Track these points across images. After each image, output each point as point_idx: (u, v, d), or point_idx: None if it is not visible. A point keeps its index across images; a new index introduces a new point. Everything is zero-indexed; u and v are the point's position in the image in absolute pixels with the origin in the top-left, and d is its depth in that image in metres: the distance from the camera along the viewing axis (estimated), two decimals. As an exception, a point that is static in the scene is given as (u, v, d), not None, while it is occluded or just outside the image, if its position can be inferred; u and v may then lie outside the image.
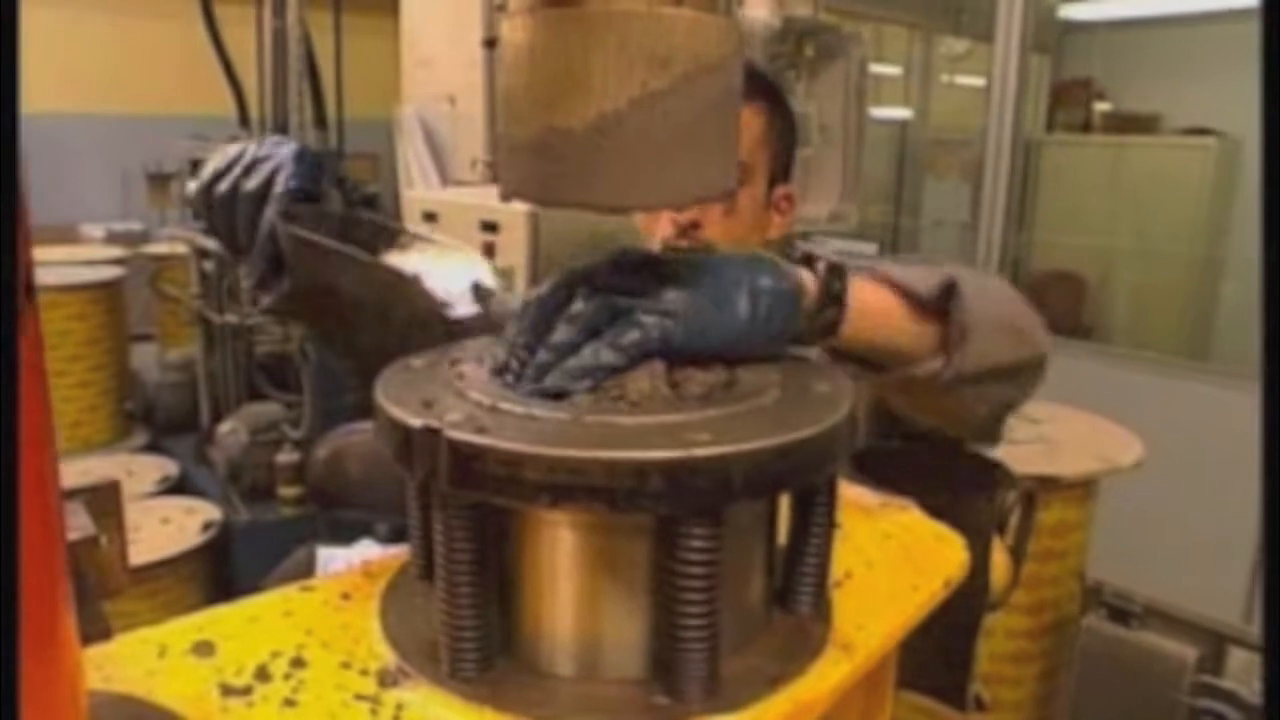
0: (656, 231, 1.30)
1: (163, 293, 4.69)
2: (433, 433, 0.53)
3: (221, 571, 3.42)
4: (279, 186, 0.89)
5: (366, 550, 2.91)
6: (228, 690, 0.61)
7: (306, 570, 2.92)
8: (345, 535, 3.04)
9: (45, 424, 0.43)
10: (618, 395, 0.62)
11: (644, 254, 0.67)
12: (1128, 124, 5.30)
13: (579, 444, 0.51)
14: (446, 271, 0.88)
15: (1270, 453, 0.59)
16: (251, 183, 0.89)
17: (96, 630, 0.52)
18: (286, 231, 0.78)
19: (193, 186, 0.93)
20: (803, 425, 0.56)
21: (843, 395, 0.63)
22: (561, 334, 0.62)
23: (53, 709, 0.44)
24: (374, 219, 0.94)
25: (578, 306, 0.62)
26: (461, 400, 0.58)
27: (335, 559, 2.94)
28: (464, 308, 0.85)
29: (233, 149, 0.94)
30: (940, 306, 0.88)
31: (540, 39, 0.57)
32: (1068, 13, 5.27)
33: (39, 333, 0.43)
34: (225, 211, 0.90)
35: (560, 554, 0.58)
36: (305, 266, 0.83)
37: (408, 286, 0.84)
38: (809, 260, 0.77)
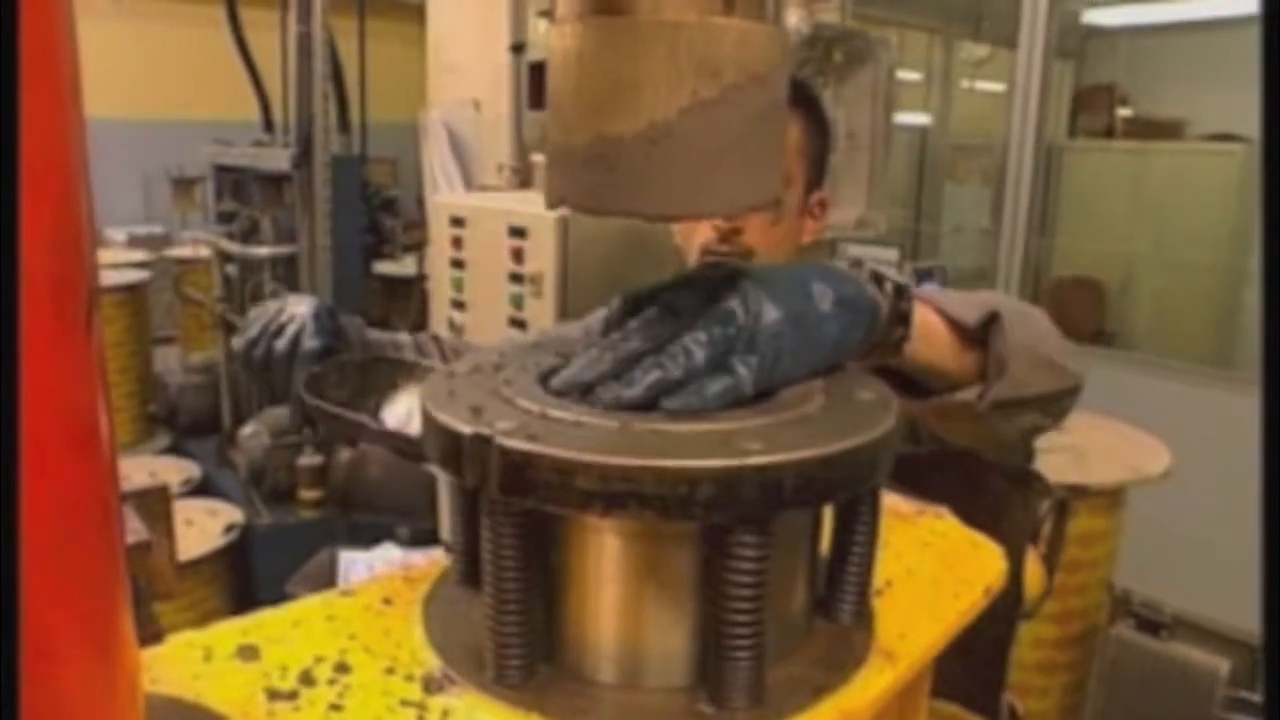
0: (697, 236, 1.31)
1: (186, 296, 4.74)
2: (484, 440, 0.53)
3: (243, 573, 3.44)
4: (303, 346, 1.05)
5: (388, 554, 2.93)
6: (274, 694, 0.61)
7: (329, 573, 2.94)
8: (366, 538, 3.06)
9: (107, 428, 0.44)
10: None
11: (722, 270, 0.65)
12: (1151, 129, 5.26)
13: (630, 452, 0.51)
14: None
15: (1270, 453, 0.59)
16: (280, 345, 1.04)
17: (149, 633, 0.52)
18: (308, 402, 0.88)
19: (237, 344, 1.09)
20: (852, 434, 0.56)
21: (887, 403, 0.63)
22: (689, 353, 0.59)
23: (115, 711, 0.44)
24: (391, 360, 1.05)
25: (696, 334, 0.60)
26: (510, 407, 0.58)
27: (357, 562, 2.95)
28: None
29: (270, 307, 1.10)
30: (981, 337, 0.90)
31: (590, 47, 0.57)
32: (1091, 18, 5.24)
33: (102, 341, 0.44)
34: (263, 372, 1.06)
35: (606, 561, 0.59)
36: (328, 425, 0.94)
37: (412, 443, 0.93)
38: (877, 279, 0.77)
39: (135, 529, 0.51)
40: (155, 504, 0.55)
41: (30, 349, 0.37)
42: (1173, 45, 5.33)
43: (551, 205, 0.60)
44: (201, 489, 3.78)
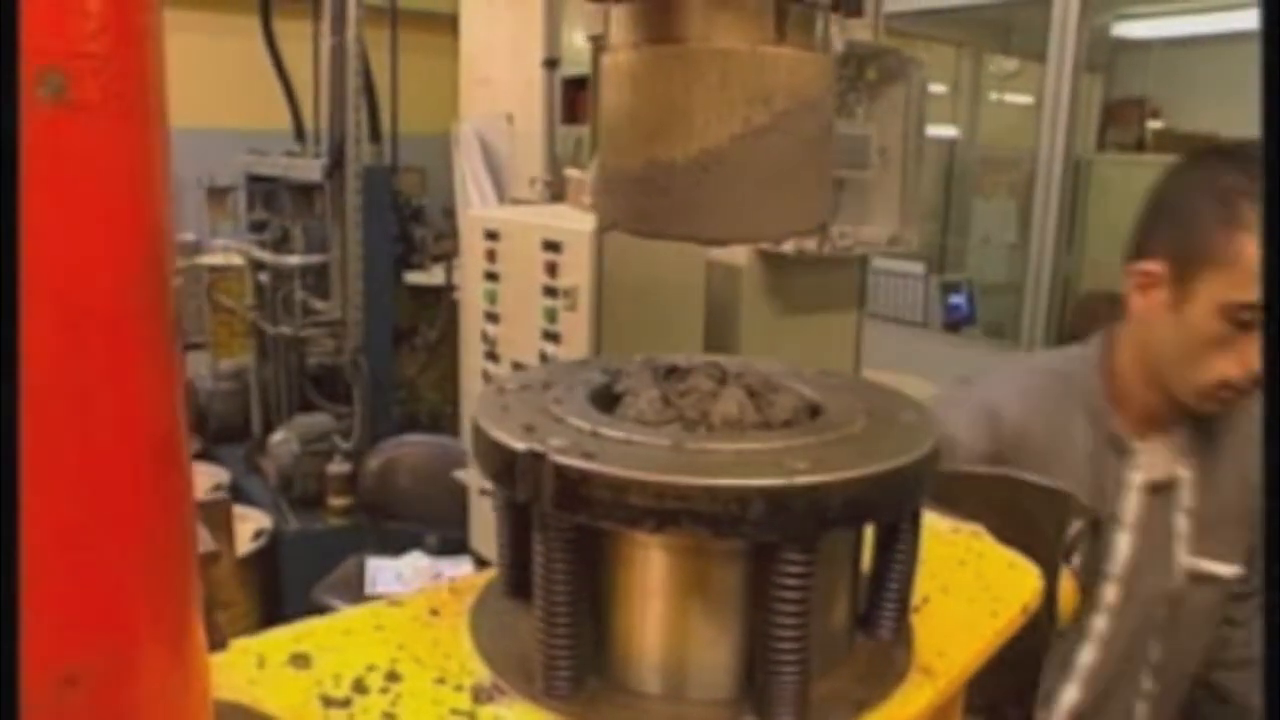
0: (1213, 368, 1.13)
1: (217, 303, 4.79)
2: (538, 457, 0.55)
3: (271, 579, 3.47)
4: None
5: (416, 561, 2.96)
6: (328, 701, 0.63)
7: (357, 580, 2.97)
8: (394, 546, 3.08)
9: (187, 443, 0.46)
10: (699, 419, 0.64)
11: None
12: (1183, 143, 5.22)
13: (683, 470, 0.53)
14: None
15: (1270, 456, 0.60)
16: None
17: (213, 641, 0.54)
18: None
19: None
20: (897, 454, 0.57)
21: (929, 423, 0.64)
22: None
23: (189, 713, 0.46)
24: None
25: None
26: (562, 425, 0.60)
27: (385, 570, 2.98)
28: None
29: None
30: None
31: (643, 74, 0.58)
32: (1121, 31, 5.22)
33: (184, 362, 0.46)
34: None
35: (654, 576, 0.60)
36: None
37: None
38: None
39: (203, 539, 0.53)
40: (219, 515, 0.56)
41: (129, 371, 0.39)
42: (1205, 58, 5.29)
43: (604, 228, 0.62)
44: (231, 495, 3.82)
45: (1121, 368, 1.24)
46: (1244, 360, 1.10)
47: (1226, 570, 1.21)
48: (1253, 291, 1.06)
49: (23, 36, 0.35)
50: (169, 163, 0.43)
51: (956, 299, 4.59)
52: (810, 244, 1.49)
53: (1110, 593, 1.18)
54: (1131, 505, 1.19)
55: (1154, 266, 1.14)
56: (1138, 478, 1.18)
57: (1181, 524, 1.21)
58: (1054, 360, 1.29)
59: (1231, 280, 1.08)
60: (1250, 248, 1.06)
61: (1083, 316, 5.05)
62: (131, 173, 0.39)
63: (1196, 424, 1.23)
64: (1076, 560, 1.15)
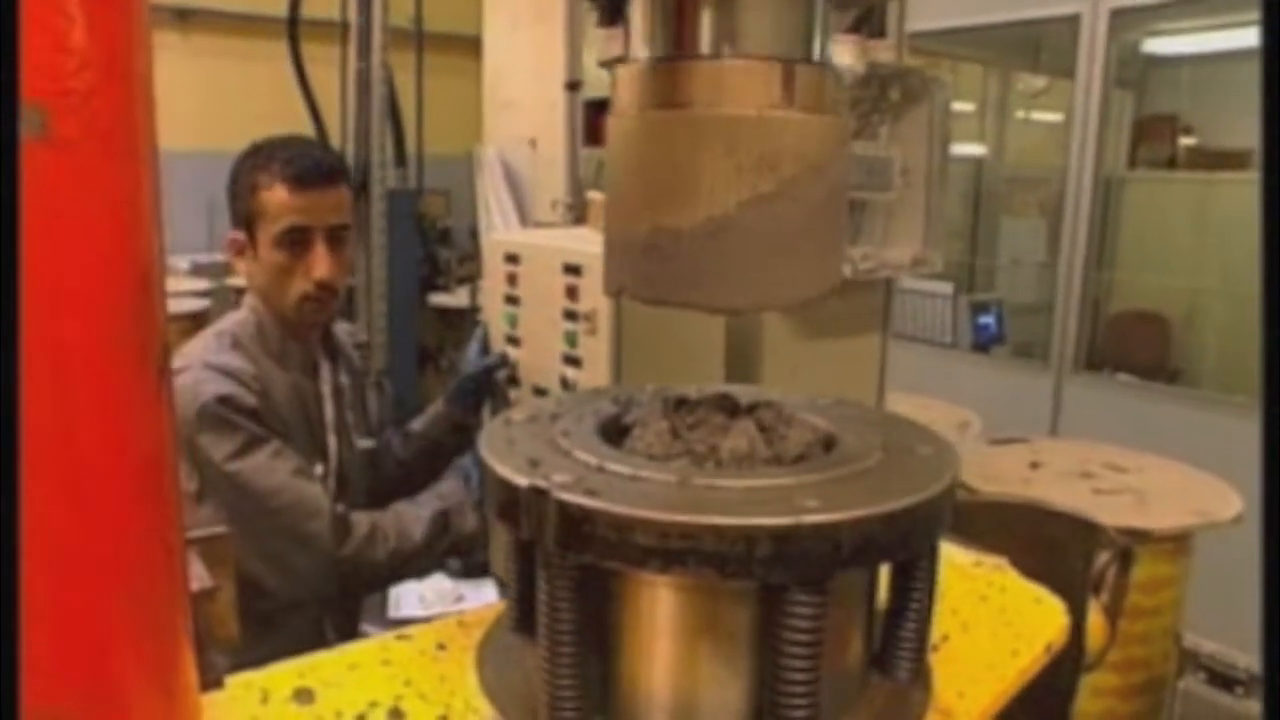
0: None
1: (246, 324, 4.83)
2: (540, 493, 0.53)
3: (296, 600, 3.47)
4: None
5: (439, 584, 2.95)
6: (330, 740, 0.61)
7: (380, 601, 2.96)
8: (417, 568, 3.07)
9: (173, 476, 0.45)
10: (708, 454, 0.62)
11: None
12: (1216, 160, 5.13)
13: (689, 509, 0.51)
14: None
15: (1270, 464, 0.58)
16: None
17: (208, 679, 0.53)
18: None
19: None
20: (912, 490, 0.55)
21: (947, 457, 0.62)
22: None
23: (177, 763, 0.45)
24: None
25: None
26: (567, 460, 0.58)
27: (408, 592, 2.97)
28: None
29: None
30: None
31: (649, 139, 0.57)
32: (1152, 48, 5.16)
33: (171, 394, 0.45)
34: None
35: (661, 616, 0.58)
36: None
37: None
38: None
39: (199, 575, 0.52)
40: (219, 550, 0.55)
41: (114, 401, 0.38)
42: (1237, 73, 5.21)
43: (610, 293, 0.61)
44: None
45: (261, 316, 1.54)
46: (308, 273, 1.46)
47: (365, 443, 1.63)
48: (285, 223, 1.45)
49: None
50: (159, 197, 0.42)
51: (985, 319, 4.54)
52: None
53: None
54: (329, 407, 1.56)
55: (237, 235, 1.52)
56: (325, 388, 1.56)
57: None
58: (222, 326, 1.57)
59: (272, 221, 1.47)
60: (272, 195, 1.47)
61: (1119, 336, 4.98)
62: (115, 208, 0.38)
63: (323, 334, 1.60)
64: (1105, 594, 1.11)
